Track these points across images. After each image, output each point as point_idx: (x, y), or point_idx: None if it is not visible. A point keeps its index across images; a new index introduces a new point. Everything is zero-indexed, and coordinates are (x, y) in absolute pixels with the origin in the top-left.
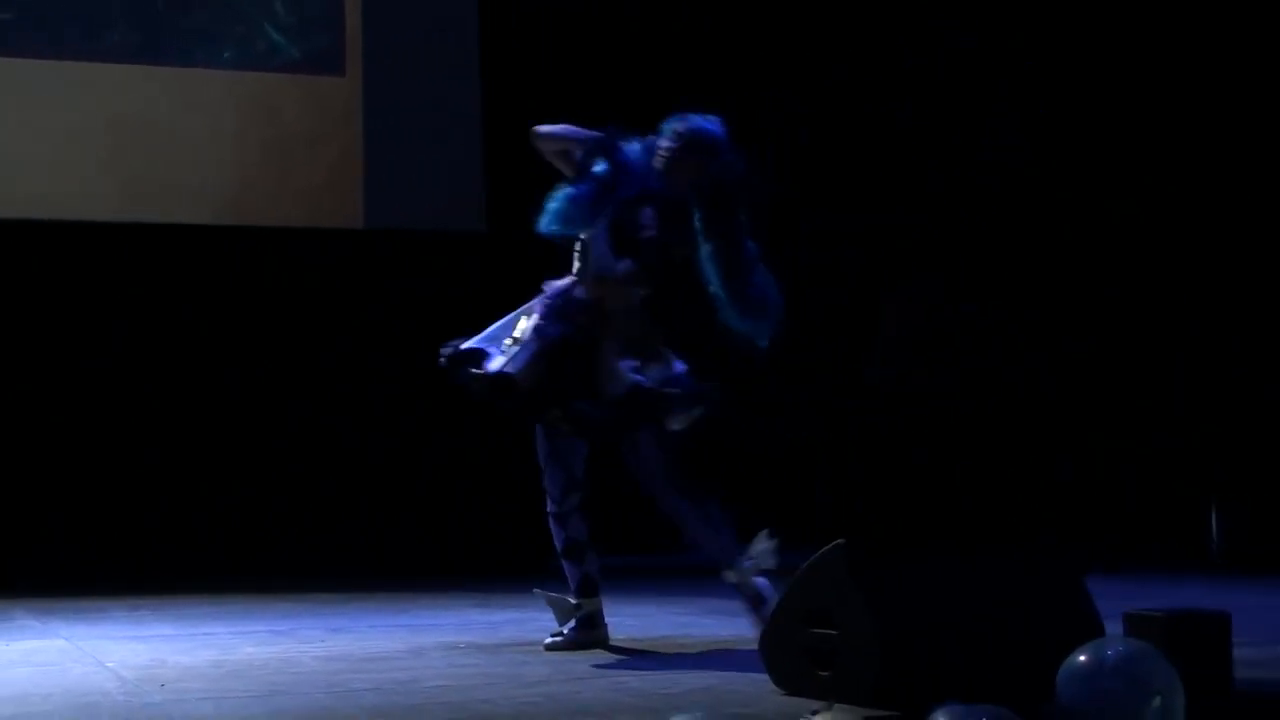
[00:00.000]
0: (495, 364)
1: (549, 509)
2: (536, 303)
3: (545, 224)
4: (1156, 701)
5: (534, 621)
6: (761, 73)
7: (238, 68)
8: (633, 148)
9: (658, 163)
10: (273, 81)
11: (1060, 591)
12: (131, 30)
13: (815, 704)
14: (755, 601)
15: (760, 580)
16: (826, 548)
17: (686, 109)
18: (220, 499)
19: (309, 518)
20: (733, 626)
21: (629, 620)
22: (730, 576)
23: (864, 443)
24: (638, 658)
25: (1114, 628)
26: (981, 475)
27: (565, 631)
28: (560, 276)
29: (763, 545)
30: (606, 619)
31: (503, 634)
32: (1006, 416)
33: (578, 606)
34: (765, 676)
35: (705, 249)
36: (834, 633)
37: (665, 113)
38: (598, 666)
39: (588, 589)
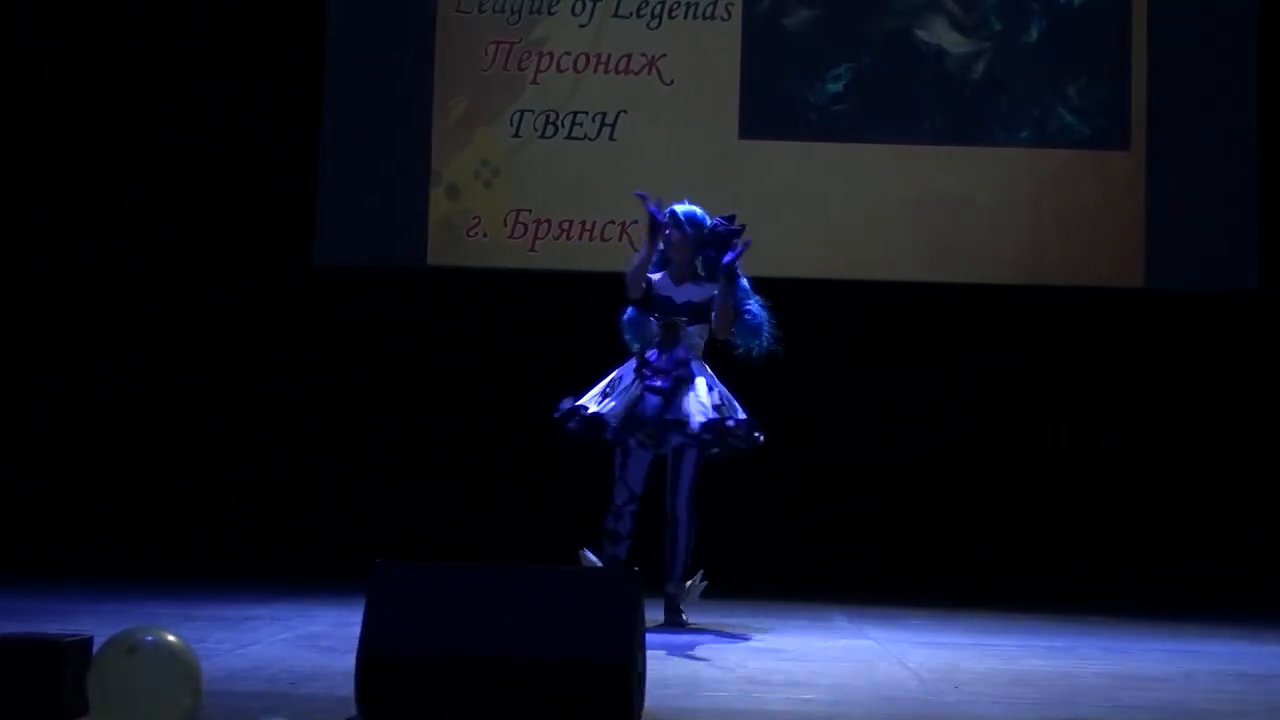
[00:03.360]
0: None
1: (613, 508)
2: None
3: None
4: None
5: None
6: None
7: (1034, 145)
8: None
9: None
10: (1065, 157)
11: None
12: (943, 117)
13: None
14: (674, 614)
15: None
16: None
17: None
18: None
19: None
20: None
21: None
22: (670, 587)
23: None
24: None
25: None
26: None
27: None
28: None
29: (699, 582)
30: None
31: (1271, 665)
32: None
33: None
34: None
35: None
36: None
37: None
38: None
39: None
